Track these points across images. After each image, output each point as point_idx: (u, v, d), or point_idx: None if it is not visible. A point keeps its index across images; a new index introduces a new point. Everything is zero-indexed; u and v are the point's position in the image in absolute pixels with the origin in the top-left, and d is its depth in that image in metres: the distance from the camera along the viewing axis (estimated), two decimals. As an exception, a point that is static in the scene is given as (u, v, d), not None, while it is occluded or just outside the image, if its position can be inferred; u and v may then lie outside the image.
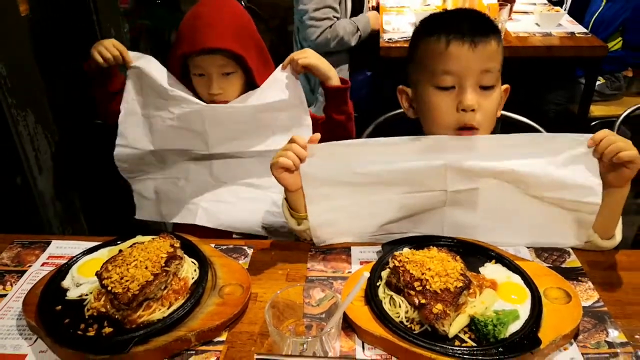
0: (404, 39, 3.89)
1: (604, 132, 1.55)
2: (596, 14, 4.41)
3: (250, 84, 2.08)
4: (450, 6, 4.18)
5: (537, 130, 2.27)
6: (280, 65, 2.08)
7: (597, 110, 4.22)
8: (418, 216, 1.72)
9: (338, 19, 4.01)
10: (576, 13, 4.53)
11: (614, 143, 1.52)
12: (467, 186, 1.65)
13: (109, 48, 2.01)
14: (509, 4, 4.15)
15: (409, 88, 1.77)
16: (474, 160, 1.61)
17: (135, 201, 2.31)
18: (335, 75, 2.07)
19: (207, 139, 2.09)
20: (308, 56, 2.03)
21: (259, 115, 2.06)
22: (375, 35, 4.11)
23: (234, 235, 2.18)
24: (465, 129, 1.63)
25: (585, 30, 4.05)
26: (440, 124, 1.65)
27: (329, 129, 2.09)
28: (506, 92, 1.75)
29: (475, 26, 1.61)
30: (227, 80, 2.04)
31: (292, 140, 1.64)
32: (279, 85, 2.06)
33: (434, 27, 1.66)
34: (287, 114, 2.08)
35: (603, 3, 4.37)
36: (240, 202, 2.18)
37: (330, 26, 3.95)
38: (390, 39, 3.90)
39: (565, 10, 4.50)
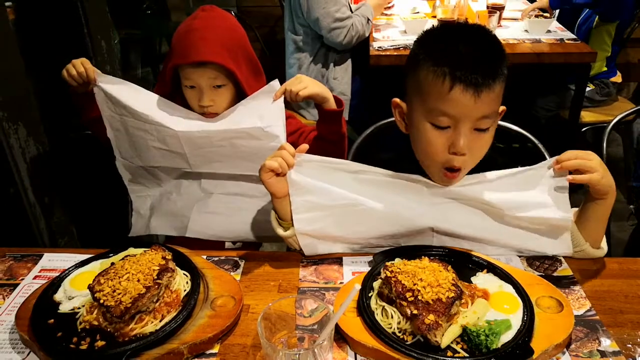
0: (394, 47, 3.89)
1: (567, 154, 1.62)
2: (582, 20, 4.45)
3: (241, 95, 2.07)
4: (440, 15, 4.18)
5: (528, 138, 2.28)
6: (274, 95, 2.00)
7: (587, 116, 4.24)
8: (405, 231, 1.74)
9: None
10: (566, 20, 4.55)
11: (571, 160, 1.60)
12: (452, 225, 1.71)
13: (76, 65, 2.00)
14: (498, 11, 4.17)
15: (404, 103, 1.72)
16: (453, 202, 1.71)
17: (132, 219, 2.30)
18: (331, 97, 2.03)
19: (188, 160, 2.09)
20: (307, 86, 1.98)
21: (235, 141, 2.02)
22: (366, 41, 4.11)
23: (227, 244, 2.18)
24: (452, 170, 1.63)
25: (574, 37, 4.06)
26: (430, 159, 1.65)
27: (321, 146, 2.06)
28: (501, 114, 1.70)
29: (483, 69, 1.52)
30: (218, 93, 2.03)
31: (281, 148, 1.66)
32: (260, 111, 2.00)
33: (440, 54, 1.55)
34: (262, 143, 2.00)
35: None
36: (231, 212, 2.17)
37: (352, 24, 3.91)
38: (380, 47, 3.90)
39: (554, 17, 4.52)
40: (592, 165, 1.57)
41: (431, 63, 1.55)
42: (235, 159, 2.07)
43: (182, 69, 2.01)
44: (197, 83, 2.00)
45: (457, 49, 1.55)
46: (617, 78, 4.40)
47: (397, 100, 1.74)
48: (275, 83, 2.01)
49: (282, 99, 2.00)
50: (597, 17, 4.32)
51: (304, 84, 1.99)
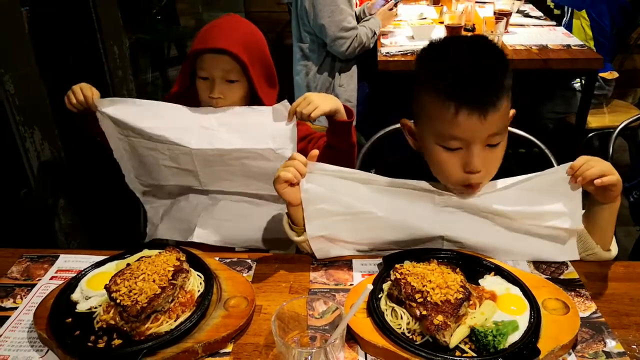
0: (402, 52, 3.92)
1: (582, 160, 1.60)
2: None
3: (254, 98, 2.10)
4: (447, 21, 4.20)
5: (534, 143, 2.30)
6: (287, 119, 2.00)
7: (594, 121, 4.25)
8: (416, 238, 1.75)
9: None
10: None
11: (592, 168, 1.57)
12: (462, 234, 1.72)
13: (75, 93, 2.02)
14: (505, 17, 4.19)
15: (412, 123, 1.74)
16: (464, 211, 1.71)
17: (147, 230, 2.33)
18: (342, 108, 2.02)
19: (199, 178, 2.11)
20: (318, 105, 1.95)
21: (245, 161, 2.03)
22: (373, 48, 4.14)
23: (237, 249, 2.20)
24: (470, 186, 1.65)
25: (580, 43, 4.08)
26: (446, 179, 1.66)
27: (331, 155, 2.04)
28: (511, 118, 1.69)
29: (486, 90, 1.53)
30: (230, 87, 2.06)
31: (292, 158, 1.68)
32: (273, 132, 2.00)
33: (441, 77, 1.55)
34: (272, 164, 1.98)
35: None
36: (238, 219, 2.19)
37: (357, 35, 3.95)
38: (388, 53, 3.93)
39: (564, 24, 4.55)
40: (609, 169, 1.56)
41: (433, 88, 1.57)
42: (245, 178, 2.09)
43: (199, 59, 2.05)
44: (210, 74, 2.05)
45: (458, 70, 1.54)
46: (609, 75, 4.40)
47: (404, 120, 1.76)
48: (286, 103, 2.02)
49: (294, 120, 2.01)
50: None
51: (314, 104, 1.96)
